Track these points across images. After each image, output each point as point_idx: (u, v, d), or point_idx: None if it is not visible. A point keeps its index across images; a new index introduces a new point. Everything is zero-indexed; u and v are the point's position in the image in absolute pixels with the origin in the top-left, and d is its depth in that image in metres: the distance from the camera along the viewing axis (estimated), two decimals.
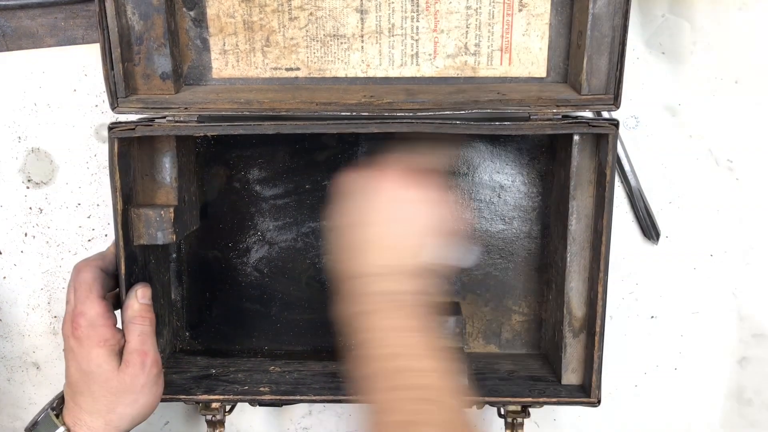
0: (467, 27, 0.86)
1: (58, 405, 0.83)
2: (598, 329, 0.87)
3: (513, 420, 0.93)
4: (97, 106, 0.99)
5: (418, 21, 0.86)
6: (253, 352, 1.04)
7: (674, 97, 0.99)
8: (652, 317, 1.05)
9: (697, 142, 1.00)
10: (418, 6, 0.86)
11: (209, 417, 0.93)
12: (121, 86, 0.84)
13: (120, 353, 0.82)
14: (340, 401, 0.91)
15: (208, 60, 0.89)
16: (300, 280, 1.03)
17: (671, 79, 0.99)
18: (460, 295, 1.03)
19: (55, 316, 1.06)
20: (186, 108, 0.85)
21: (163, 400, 0.88)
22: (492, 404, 0.92)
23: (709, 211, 1.02)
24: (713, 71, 0.97)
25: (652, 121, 1.00)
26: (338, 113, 0.84)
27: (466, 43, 0.87)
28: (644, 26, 0.97)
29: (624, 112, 0.98)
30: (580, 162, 0.88)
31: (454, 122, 0.82)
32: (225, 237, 1.03)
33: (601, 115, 0.93)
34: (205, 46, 0.88)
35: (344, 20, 0.86)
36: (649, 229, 1.02)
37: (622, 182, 1.00)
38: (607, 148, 0.83)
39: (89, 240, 1.04)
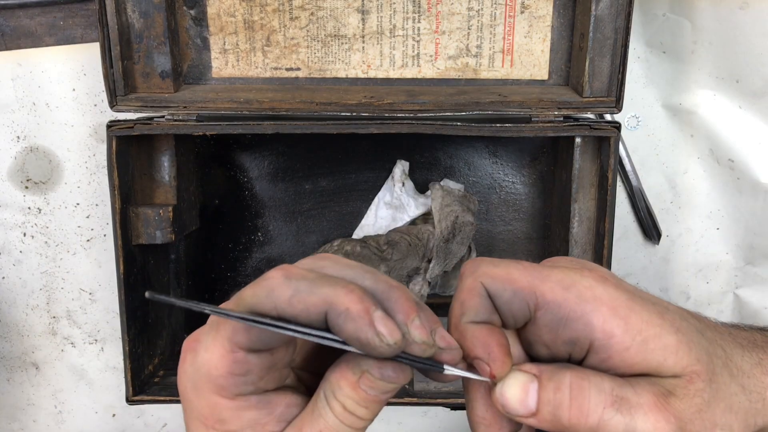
0: (469, 28, 0.86)
1: None
2: None
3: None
4: (96, 105, 0.99)
5: (419, 22, 0.86)
6: None
7: (675, 96, 0.99)
8: None
9: (698, 141, 1.00)
10: (419, 7, 0.85)
11: None
12: (120, 84, 0.84)
13: None
14: None
15: (208, 59, 0.88)
16: None
17: (672, 79, 0.98)
18: None
19: (54, 317, 1.06)
20: (185, 107, 0.85)
21: (162, 402, 0.88)
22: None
23: (710, 211, 1.02)
24: (714, 70, 0.97)
25: (653, 121, 1.00)
26: (338, 113, 0.83)
27: (468, 44, 0.87)
28: (645, 25, 0.97)
29: (625, 111, 0.98)
30: (582, 165, 0.88)
31: (454, 124, 0.81)
32: (224, 237, 1.03)
33: (603, 118, 0.92)
34: (205, 45, 0.88)
35: (345, 20, 0.86)
36: (650, 229, 1.01)
37: (623, 182, 1.00)
38: (609, 151, 0.82)
39: (88, 240, 1.03)
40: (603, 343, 0.45)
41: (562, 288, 0.46)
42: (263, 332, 0.43)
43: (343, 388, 0.44)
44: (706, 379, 0.45)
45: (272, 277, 0.43)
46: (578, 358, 0.47)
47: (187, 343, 0.46)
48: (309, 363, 0.50)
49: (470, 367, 0.46)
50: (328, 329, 0.42)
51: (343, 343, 0.42)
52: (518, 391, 0.45)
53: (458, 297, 0.48)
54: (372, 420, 0.46)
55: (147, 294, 0.41)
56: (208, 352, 0.44)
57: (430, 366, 0.44)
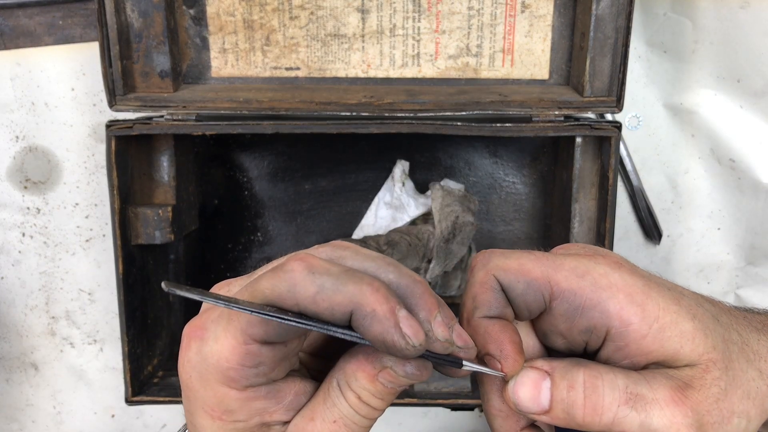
0: (469, 28, 0.86)
1: None
2: None
3: None
4: (95, 105, 0.98)
5: (419, 21, 0.85)
6: None
7: (676, 96, 0.98)
8: None
9: (699, 141, 0.99)
10: (419, 6, 0.85)
11: None
12: (119, 84, 0.83)
13: None
14: None
15: (207, 58, 0.88)
16: None
17: (673, 78, 0.98)
18: (461, 297, 1.02)
19: (53, 317, 1.05)
20: (184, 106, 0.84)
21: (162, 403, 0.87)
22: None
23: (711, 211, 1.01)
24: (715, 70, 0.97)
25: (654, 121, 0.99)
26: (338, 113, 0.83)
27: (468, 44, 0.86)
28: (646, 25, 0.96)
29: (626, 111, 0.98)
30: (583, 164, 0.87)
31: (455, 123, 0.81)
32: (224, 237, 1.02)
33: (604, 117, 0.92)
34: (205, 45, 0.88)
35: (345, 20, 0.86)
36: (651, 229, 1.01)
37: (624, 182, 1.00)
38: (609, 151, 0.82)
39: (87, 240, 1.03)
40: (620, 330, 0.44)
41: (576, 276, 0.45)
42: (281, 325, 0.42)
43: (359, 380, 0.43)
44: (722, 367, 0.44)
45: (294, 269, 0.41)
46: (595, 346, 0.46)
47: (191, 330, 0.45)
48: (315, 348, 0.50)
49: (483, 362, 0.46)
50: (348, 326, 0.42)
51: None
52: (530, 389, 0.45)
53: (470, 291, 0.47)
54: (384, 410, 0.45)
55: (164, 287, 0.39)
56: (218, 343, 0.43)
57: (450, 362, 0.44)
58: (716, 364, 0.44)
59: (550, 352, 0.49)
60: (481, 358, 0.46)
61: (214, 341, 0.43)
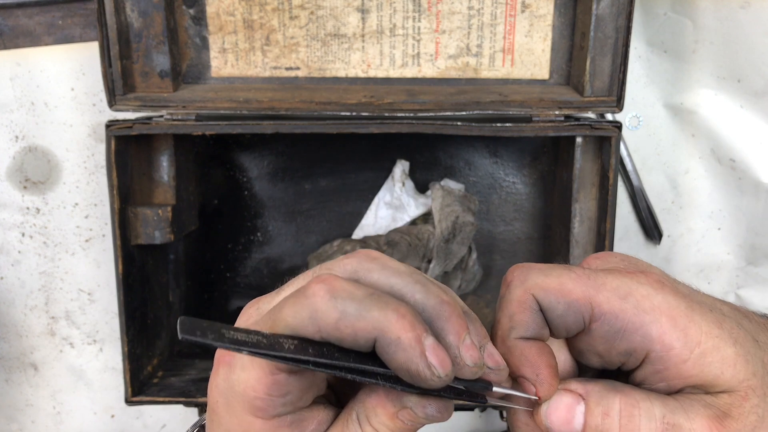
0: (469, 28, 0.86)
1: None
2: None
3: None
4: (94, 105, 0.98)
5: (419, 21, 0.85)
6: None
7: (676, 96, 0.98)
8: None
9: (700, 141, 0.99)
10: (419, 6, 0.85)
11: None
12: (119, 84, 0.83)
13: None
14: None
15: (207, 58, 0.88)
16: None
17: (673, 78, 0.98)
18: (461, 297, 1.02)
19: (53, 317, 1.05)
20: (184, 106, 0.84)
21: (162, 403, 0.87)
22: (495, 407, 0.92)
23: (711, 211, 1.01)
24: (715, 70, 0.97)
25: (654, 120, 0.99)
26: (338, 113, 0.83)
27: (468, 44, 0.86)
28: (646, 25, 0.96)
29: (626, 111, 0.98)
30: (583, 164, 0.87)
31: (455, 123, 0.81)
32: (224, 237, 1.02)
33: (604, 117, 0.92)
34: (205, 45, 0.88)
35: (345, 20, 0.86)
36: (651, 229, 1.01)
37: (624, 182, 1.00)
38: (610, 150, 0.82)
39: (87, 240, 1.03)
40: (660, 355, 0.43)
41: (618, 298, 0.44)
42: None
43: (379, 416, 0.42)
44: (761, 394, 0.43)
45: (315, 294, 0.40)
46: (631, 367, 0.45)
47: (221, 355, 0.44)
48: None
49: (514, 382, 0.45)
50: (372, 352, 0.40)
51: (385, 378, 0.41)
52: (564, 413, 0.44)
53: (507, 309, 0.46)
54: None
55: (180, 336, 0.36)
56: (246, 372, 0.42)
57: (477, 389, 0.43)
58: (755, 391, 0.43)
59: (582, 367, 0.49)
60: (513, 378, 0.45)
61: (242, 369, 0.42)
